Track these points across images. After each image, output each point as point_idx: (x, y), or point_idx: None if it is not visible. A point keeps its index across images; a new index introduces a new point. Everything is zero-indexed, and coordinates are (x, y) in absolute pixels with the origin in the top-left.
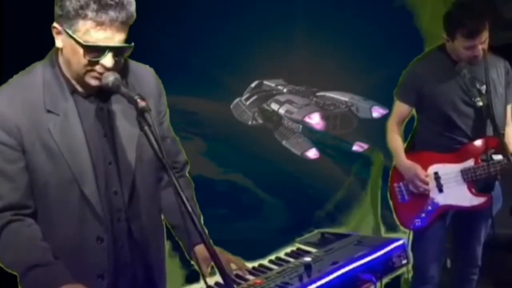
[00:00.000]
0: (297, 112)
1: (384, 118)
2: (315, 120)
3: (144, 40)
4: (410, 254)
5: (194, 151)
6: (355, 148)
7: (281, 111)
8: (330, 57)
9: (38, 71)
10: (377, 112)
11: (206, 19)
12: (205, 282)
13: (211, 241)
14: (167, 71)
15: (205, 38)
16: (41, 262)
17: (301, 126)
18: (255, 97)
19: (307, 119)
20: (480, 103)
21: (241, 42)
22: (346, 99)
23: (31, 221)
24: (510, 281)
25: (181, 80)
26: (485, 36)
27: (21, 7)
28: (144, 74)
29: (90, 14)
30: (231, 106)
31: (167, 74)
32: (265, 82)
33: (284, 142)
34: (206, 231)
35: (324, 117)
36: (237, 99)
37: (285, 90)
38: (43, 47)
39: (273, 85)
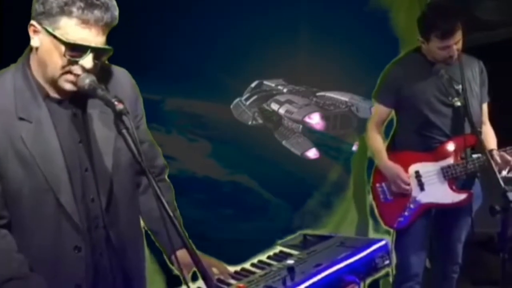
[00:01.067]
0: (297, 112)
1: None
2: (315, 120)
3: (152, 45)
4: (393, 254)
5: (200, 153)
6: (355, 148)
7: (281, 111)
8: (330, 57)
9: (8, 77)
10: None
11: (210, 23)
12: (187, 286)
13: (193, 245)
14: (175, 75)
15: (212, 43)
16: (17, 275)
17: (301, 126)
18: (255, 97)
19: (307, 119)
20: (458, 103)
21: (243, 42)
22: (346, 99)
23: (5, 232)
24: (488, 279)
25: (188, 84)
26: (458, 36)
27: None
28: (120, 77)
29: (75, 11)
30: (231, 106)
31: (174, 79)
32: (265, 82)
33: (284, 142)
34: (187, 234)
35: (324, 117)
36: (237, 99)
37: (285, 90)
38: None
39: (273, 85)
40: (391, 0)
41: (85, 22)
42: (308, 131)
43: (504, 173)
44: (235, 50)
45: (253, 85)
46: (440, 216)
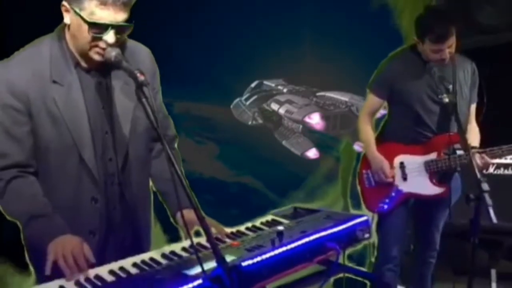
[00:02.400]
0: (297, 112)
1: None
2: (315, 120)
3: (161, 51)
4: (373, 230)
5: (208, 155)
6: (355, 148)
7: (281, 111)
8: (330, 57)
9: (45, 44)
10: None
11: (216, 29)
12: (192, 241)
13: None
14: (183, 79)
15: (219, 48)
16: (42, 213)
17: (301, 126)
18: (255, 97)
19: (307, 119)
20: (446, 100)
21: (247, 46)
22: (346, 99)
23: (34, 179)
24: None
25: (196, 88)
26: (452, 41)
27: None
28: (141, 53)
29: None
30: (231, 106)
31: (182, 83)
32: (265, 82)
33: (284, 142)
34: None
35: (324, 117)
36: (237, 99)
37: (285, 90)
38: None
39: (273, 85)
40: (395, 0)
41: (103, 3)
42: (308, 131)
43: (490, 170)
44: (242, 54)
45: (253, 85)
46: (420, 206)
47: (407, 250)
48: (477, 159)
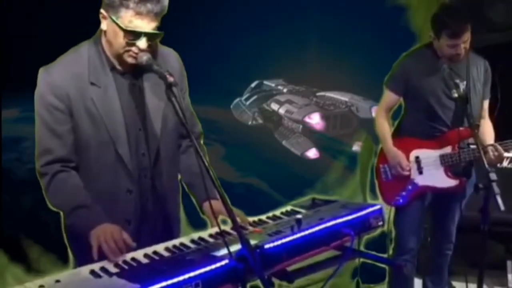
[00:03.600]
0: (297, 112)
1: None
2: (315, 120)
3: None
4: (390, 221)
5: (214, 156)
6: (355, 148)
7: (281, 111)
8: (330, 57)
9: (84, 49)
10: None
11: (223, 34)
12: (219, 227)
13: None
14: (190, 83)
15: (224, 54)
16: (84, 204)
17: (301, 126)
18: (255, 97)
19: (307, 119)
20: (456, 95)
21: (245, 44)
22: (346, 99)
23: (75, 173)
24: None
25: (203, 92)
26: (467, 36)
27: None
28: (170, 57)
29: (131, 4)
30: (231, 106)
31: (190, 86)
32: (265, 82)
33: (284, 142)
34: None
35: (324, 117)
36: (237, 99)
37: (285, 90)
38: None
39: (273, 85)
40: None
41: (139, 13)
42: (308, 131)
43: (504, 164)
44: (245, 57)
45: (253, 85)
46: (437, 199)
47: (424, 243)
48: (491, 152)
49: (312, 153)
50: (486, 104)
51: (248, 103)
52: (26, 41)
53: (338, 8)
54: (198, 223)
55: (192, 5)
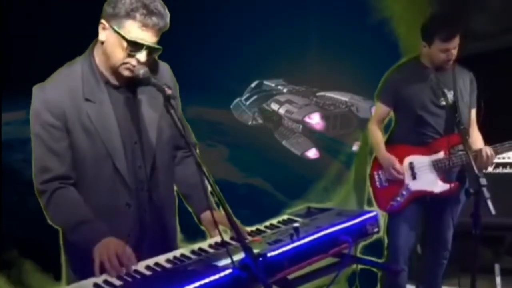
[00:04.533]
0: (297, 112)
1: None
2: (315, 120)
3: (173, 59)
4: (381, 224)
5: (218, 157)
6: (355, 148)
7: (281, 111)
8: (330, 57)
9: (78, 65)
10: None
11: (228, 38)
12: (221, 236)
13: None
14: (195, 86)
15: (227, 56)
16: (86, 220)
17: (301, 126)
18: (255, 97)
19: (307, 119)
20: (443, 103)
21: (245, 43)
22: (346, 99)
23: (74, 189)
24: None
25: (207, 94)
26: (457, 41)
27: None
28: (162, 69)
29: (138, 16)
30: (231, 106)
31: (194, 89)
32: (265, 82)
33: (284, 142)
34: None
35: (324, 117)
36: (237, 99)
37: (285, 90)
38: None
39: (273, 85)
40: (392, 10)
41: (145, 25)
42: (308, 131)
43: (490, 169)
44: (247, 58)
45: (253, 85)
46: (431, 206)
47: (415, 250)
48: (479, 156)
49: (312, 153)
50: (473, 113)
51: (248, 103)
52: (30, 41)
53: (338, 9)
54: (189, 234)
55: (192, 6)
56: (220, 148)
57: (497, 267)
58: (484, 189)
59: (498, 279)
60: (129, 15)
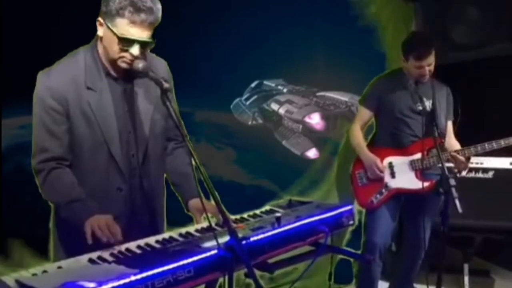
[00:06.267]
0: (297, 112)
1: None
2: (315, 120)
3: (183, 65)
4: (356, 217)
5: (226, 159)
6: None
7: (281, 111)
8: (330, 57)
9: (81, 55)
10: None
11: (234, 44)
12: (209, 220)
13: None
14: (203, 91)
15: (234, 61)
16: (77, 198)
17: (301, 126)
18: (255, 97)
19: (307, 119)
20: (420, 108)
21: (245, 43)
22: (346, 99)
23: (69, 170)
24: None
25: (215, 98)
26: (431, 60)
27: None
28: (159, 64)
29: (126, 14)
30: (231, 106)
31: (203, 93)
32: (265, 82)
33: (284, 142)
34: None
35: (324, 117)
36: (237, 99)
37: (285, 90)
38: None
39: (273, 85)
40: (378, 19)
41: (133, 22)
42: (308, 131)
43: (463, 173)
44: (250, 59)
45: (253, 85)
46: (410, 206)
47: (390, 249)
48: (457, 158)
49: (312, 153)
50: (450, 125)
51: (248, 103)
52: (34, 46)
53: (338, 9)
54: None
55: (192, 8)
56: (228, 150)
57: (466, 266)
58: (453, 189)
59: (466, 279)
60: (118, 13)
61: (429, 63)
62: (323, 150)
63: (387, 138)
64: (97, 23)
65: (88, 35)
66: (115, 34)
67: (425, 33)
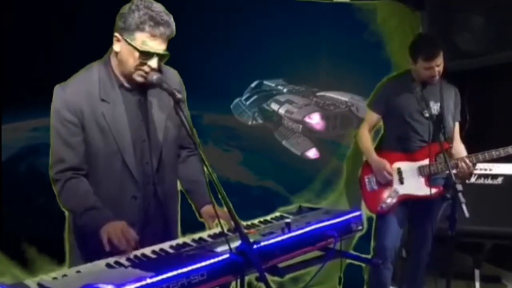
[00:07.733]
0: (297, 112)
1: None
2: (315, 120)
3: (191, 70)
4: (365, 223)
5: (233, 161)
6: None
7: (281, 111)
8: (330, 57)
9: (95, 69)
10: None
11: (224, 35)
12: (221, 226)
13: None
14: (211, 94)
15: (226, 54)
16: (93, 207)
17: (301, 126)
18: (255, 97)
19: (307, 119)
20: (427, 114)
21: (245, 43)
22: (346, 99)
23: (85, 180)
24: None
25: (223, 101)
26: (439, 60)
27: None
28: (171, 75)
29: (147, 28)
30: (231, 106)
31: (211, 96)
32: (265, 82)
33: (284, 142)
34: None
35: (324, 117)
36: (237, 99)
37: (285, 90)
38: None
39: (273, 85)
40: (385, 26)
41: (153, 35)
42: (308, 131)
43: (472, 180)
44: (247, 59)
45: (253, 85)
46: (417, 210)
47: (401, 254)
48: (464, 164)
49: (312, 153)
50: (456, 126)
51: (248, 103)
52: (46, 51)
53: (341, 13)
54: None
55: (192, 9)
56: (235, 152)
57: (477, 272)
58: (460, 194)
59: (477, 285)
60: (138, 27)
61: (438, 64)
62: (332, 155)
63: (395, 142)
64: (114, 39)
65: (89, 36)
66: (135, 48)
67: (432, 34)
